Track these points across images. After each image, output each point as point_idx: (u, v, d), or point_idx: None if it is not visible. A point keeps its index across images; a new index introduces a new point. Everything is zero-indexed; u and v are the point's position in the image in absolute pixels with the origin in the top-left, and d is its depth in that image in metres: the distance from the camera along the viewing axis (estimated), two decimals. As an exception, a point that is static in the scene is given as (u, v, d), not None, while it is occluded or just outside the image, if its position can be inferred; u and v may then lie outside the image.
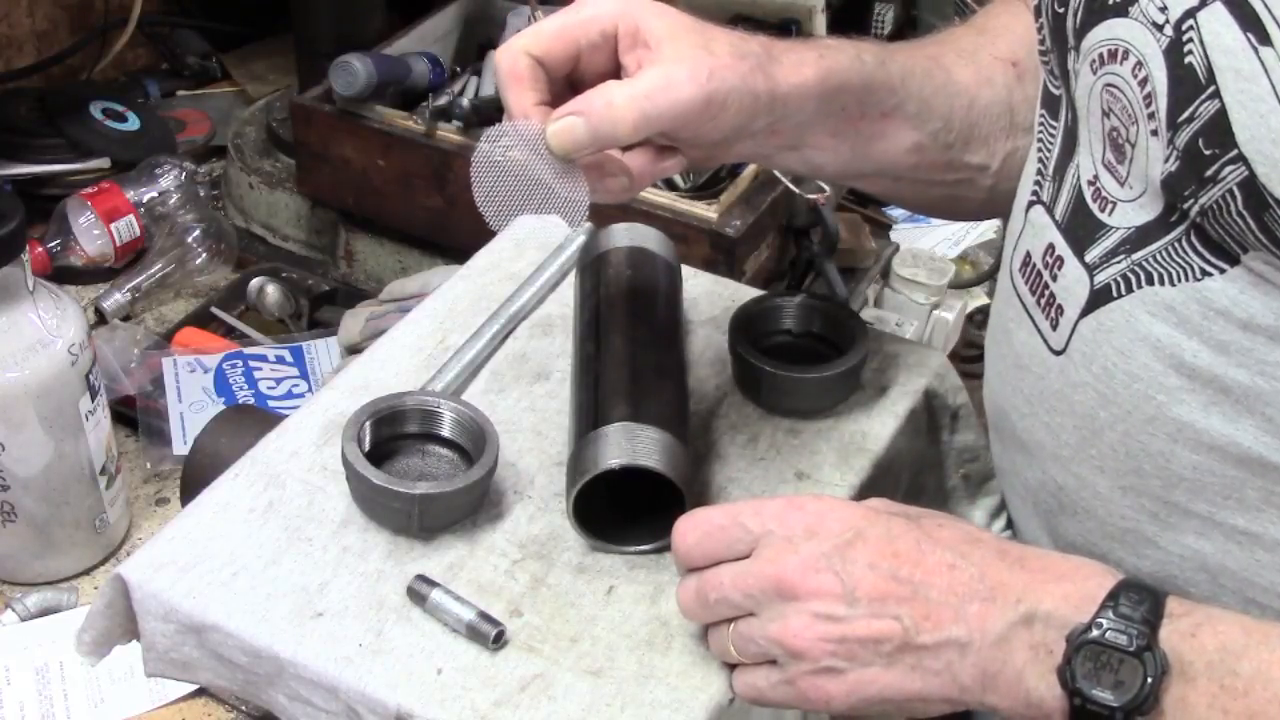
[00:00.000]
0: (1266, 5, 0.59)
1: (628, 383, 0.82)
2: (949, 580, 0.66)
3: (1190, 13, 0.62)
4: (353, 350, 1.18)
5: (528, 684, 0.71)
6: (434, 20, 1.45)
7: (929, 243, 1.55)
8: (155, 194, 1.39)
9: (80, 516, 1.02)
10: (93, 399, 0.99)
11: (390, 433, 0.82)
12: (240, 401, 1.18)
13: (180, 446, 1.14)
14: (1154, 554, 0.75)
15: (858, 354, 0.88)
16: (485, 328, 0.93)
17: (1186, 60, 0.63)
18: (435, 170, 1.29)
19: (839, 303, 1.09)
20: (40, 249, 1.31)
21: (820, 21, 1.62)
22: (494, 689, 0.70)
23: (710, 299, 0.98)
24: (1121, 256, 0.71)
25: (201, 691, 0.95)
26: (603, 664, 0.72)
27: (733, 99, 0.72)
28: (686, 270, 0.98)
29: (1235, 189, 0.62)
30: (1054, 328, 0.76)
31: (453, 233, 1.29)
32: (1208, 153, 0.62)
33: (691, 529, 0.71)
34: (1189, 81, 0.63)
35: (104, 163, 1.43)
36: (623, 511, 0.79)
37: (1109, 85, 0.69)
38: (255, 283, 1.34)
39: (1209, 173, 0.63)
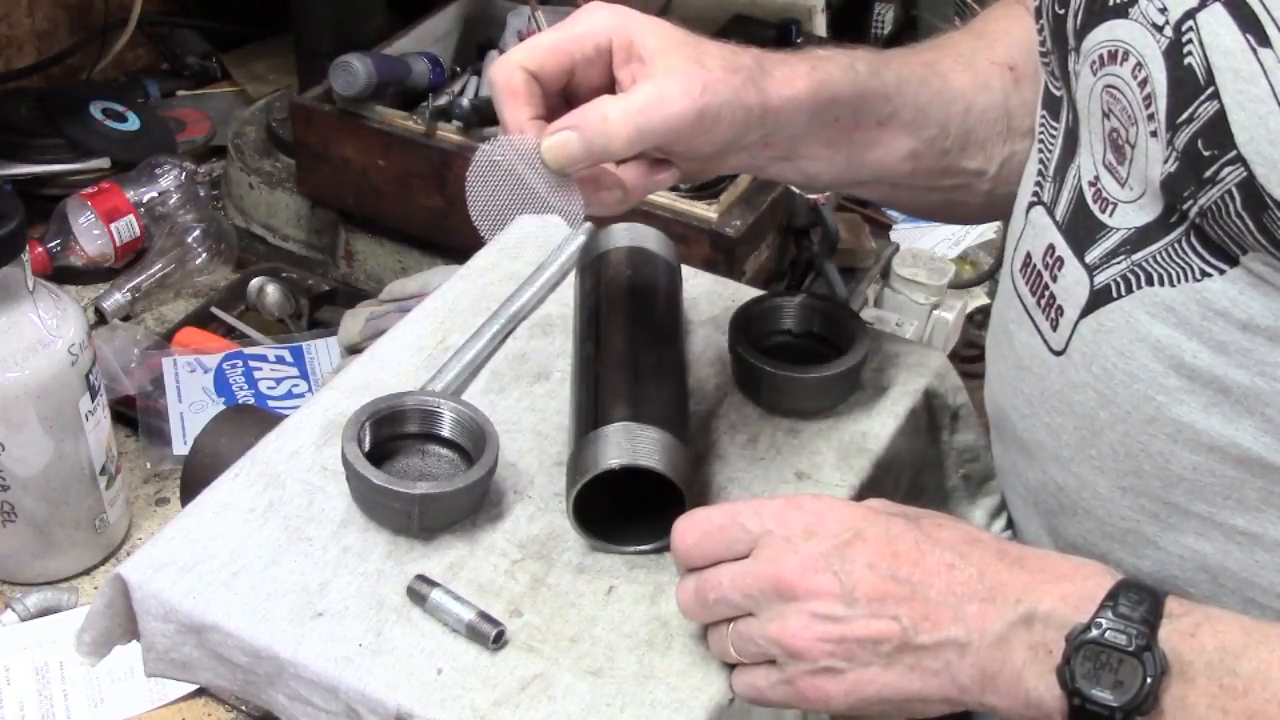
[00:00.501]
0: (1266, 7, 0.59)
1: (628, 383, 0.82)
2: (948, 580, 0.66)
3: (1190, 14, 0.62)
4: (353, 350, 1.18)
5: (528, 684, 0.71)
6: (434, 20, 1.45)
7: (929, 243, 1.55)
8: (155, 194, 1.39)
9: (80, 516, 1.02)
10: (93, 399, 0.99)
11: (390, 433, 0.82)
12: (240, 401, 1.18)
13: (180, 446, 1.14)
14: (1154, 554, 0.75)
15: (858, 354, 0.88)
16: (485, 328, 0.93)
17: (1186, 61, 0.63)
18: (435, 170, 1.29)
19: (839, 303, 1.09)
20: (40, 249, 1.31)
21: (820, 21, 1.62)
22: (494, 689, 0.70)
23: (710, 299, 0.98)
24: (1121, 257, 0.71)
25: (201, 691, 0.95)
26: (603, 664, 0.72)
27: (725, 113, 0.72)
28: (686, 270, 0.98)
29: (1234, 190, 0.62)
30: (1054, 328, 0.76)
31: (453, 233, 1.29)
32: (1207, 154, 0.62)
33: (691, 529, 0.71)
34: (1188, 83, 0.63)
35: (104, 163, 1.43)
36: (623, 511, 0.79)
37: (1109, 86, 0.69)
38: (255, 283, 1.34)
39: (1208, 174, 0.63)
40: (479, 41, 1.47)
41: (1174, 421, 0.70)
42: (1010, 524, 0.91)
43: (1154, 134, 0.66)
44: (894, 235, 1.52)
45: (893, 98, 0.81)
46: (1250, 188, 0.61)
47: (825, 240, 1.31)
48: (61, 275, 1.32)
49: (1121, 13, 0.67)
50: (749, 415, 0.89)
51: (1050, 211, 0.77)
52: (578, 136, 0.71)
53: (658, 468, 0.76)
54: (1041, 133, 0.80)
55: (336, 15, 1.45)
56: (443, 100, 1.30)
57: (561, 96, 0.75)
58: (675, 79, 0.71)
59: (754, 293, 0.97)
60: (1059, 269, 0.75)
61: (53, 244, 1.33)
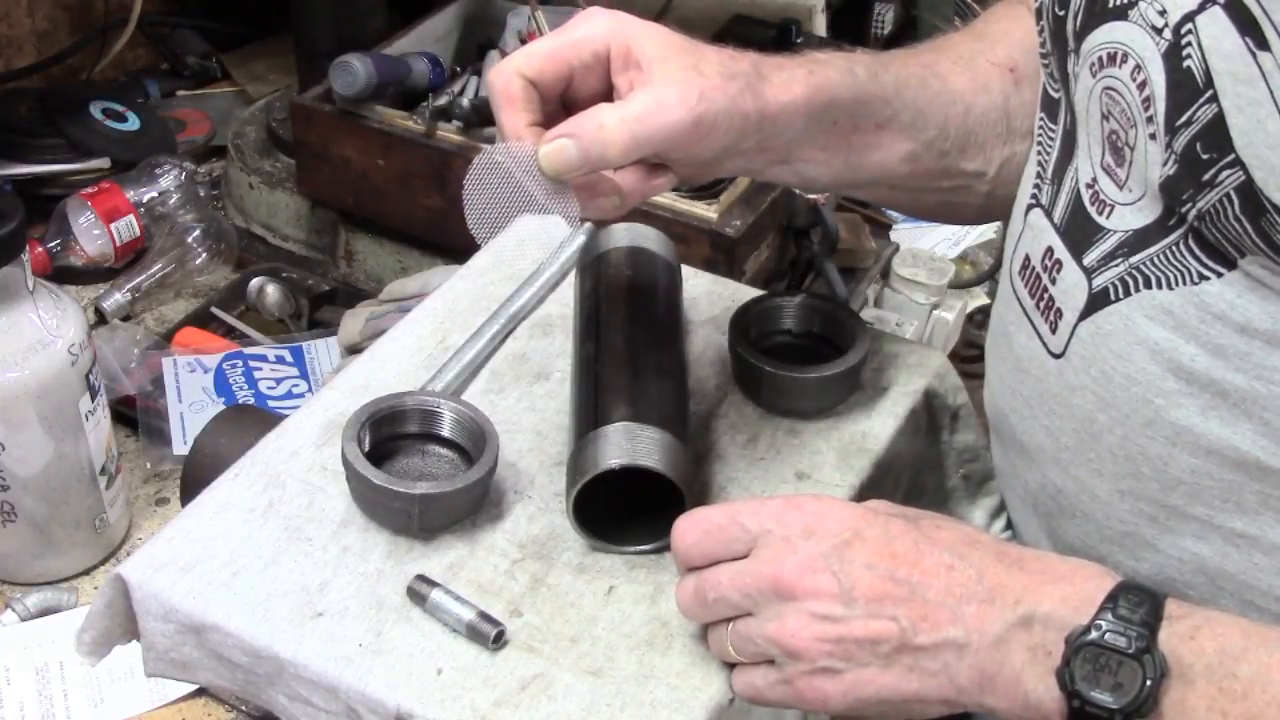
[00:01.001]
0: (1265, 10, 0.59)
1: (628, 383, 0.82)
2: (947, 581, 0.66)
3: (1189, 16, 0.62)
4: (353, 350, 1.18)
5: (528, 684, 0.71)
6: (434, 20, 1.45)
7: (929, 243, 1.55)
8: (155, 194, 1.39)
9: (80, 516, 1.02)
10: (93, 399, 0.99)
11: (390, 433, 0.82)
12: (240, 401, 1.18)
13: (180, 446, 1.14)
14: (1152, 557, 0.75)
15: (858, 354, 0.88)
16: (485, 328, 0.93)
17: (1185, 64, 0.63)
18: (435, 170, 1.29)
19: (839, 303, 1.09)
20: (40, 249, 1.31)
21: (820, 22, 1.62)
22: (494, 689, 0.70)
23: (710, 299, 0.98)
24: (1120, 260, 0.71)
25: (201, 691, 0.95)
26: (603, 664, 0.72)
27: (722, 120, 0.72)
28: (686, 270, 0.98)
29: (1232, 193, 0.62)
30: (1053, 331, 0.76)
31: (453, 233, 1.28)
32: (1205, 157, 0.62)
33: (690, 528, 0.71)
34: (1187, 85, 0.63)
35: (104, 163, 1.43)
36: (623, 511, 0.79)
37: (1108, 88, 0.69)
38: (255, 283, 1.34)
39: (1206, 177, 0.63)
40: (479, 41, 1.47)
41: (1172, 424, 0.70)
42: (1010, 525, 0.91)
43: (1153, 136, 0.66)
44: (894, 235, 1.52)
45: (891, 100, 0.81)
46: (1248, 191, 0.61)
47: (825, 240, 1.31)
48: (61, 275, 1.32)
49: (1121, 15, 0.67)
50: (749, 415, 0.89)
51: (1048, 214, 0.77)
52: (575, 144, 0.71)
53: (658, 468, 0.76)
54: (1040, 135, 0.79)
55: (336, 15, 1.45)
56: (443, 100, 1.30)
57: (560, 102, 0.75)
58: (672, 86, 0.71)
59: (754, 293, 0.97)
60: (1057, 271, 0.75)
61: (53, 244, 1.33)
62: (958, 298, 1.42)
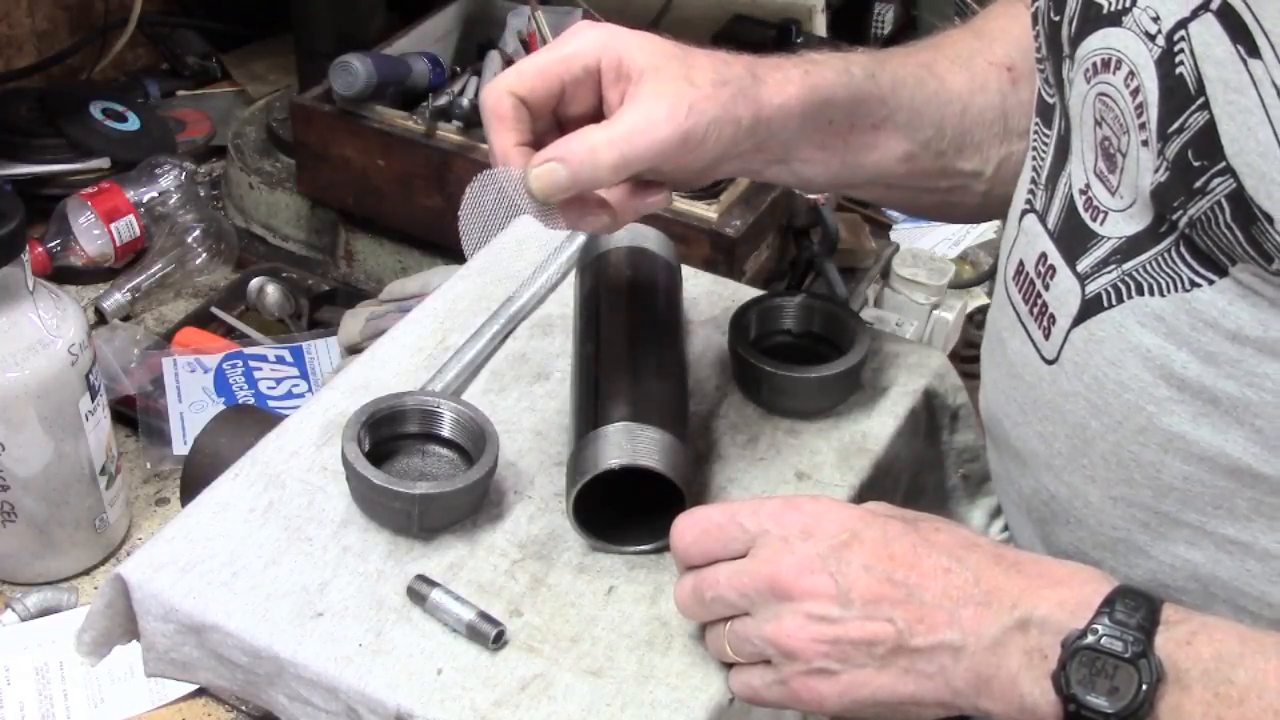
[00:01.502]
0: (1257, 18, 0.59)
1: (628, 383, 0.82)
2: (944, 584, 0.66)
3: (1182, 23, 0.62)
4: (353, 350, 1.18)
5: (528, 684, 0.71)
6: (434, 20, 1.45)
7: (929, 243, 1.55)
8: (155, 194, 1.39)
9: (80, 516, 1.02)
10: (93, 399, 0.99)
11: (390, 433, 0.82)
12: (240, 401, 1.18)
13: (180, 446, 1.14)
14: (1145, 563, 0.75)
15: (858, 354, 0.88)
16: (485, 328, 0.93)
17: (1177, 71, 0.62)
18: (435, 170, 1.29)
19: (839, 303, 1.09)
20: (40, 249, 1.31)
21: (820, 21, 1.62)
22: (494, 689, 0.70)
23: (710, 299, 0.98)
24: (1112, 266, 0.70)
25: (201, 691, 0.95)
26: (603, 664, 0.72)
27: (712, 131, 0.72)
28: (686, 270, 0.98)
29: (1223, 201, 0.62)
30: (1046, 337, 0.76)
31: (452, 233, 1.27)
32: (1197, 164, 0.62)
33: (689, 527, 0.71)
34: (1179, 92, 0.63)
35: (104, 163, 1.43)
36: (623, 511, 0.79)
37: (1101, 94, 0.69)
38: (255, 283, 1.34)
39: (1198, 184, 0.63)
40: (479, 41, 1.47)
41: (1164, 431, 0.70)
42: (1009, 527, 0.90)
43: (1145, 143, 0.66)
44: (894, 235, 1.52)
45: (888, 100, 0.81)
46: (1239, 199, 0.61)
47: (825, 240, 1.31)
48: (61, 275, 1.32)
49: (1115, 21, 0.67)
50: (749, 415, 0.89)
51: (1042, 220, 0.77)
52: (564, 168, 0.71)
53: (658, 468, 0.76)
54: (1034, 140, 0.79)
55: (336, 15, 1.45)
56: (443, 100, 1.30)
57: (553, 117, 0.76)
58: (661, 102, 0.71)
59: (754, 293, 0.97)
60: (1051, 277, 0.75)
61: (53, 244, 1.33)
62: (958, 298, 1.42)
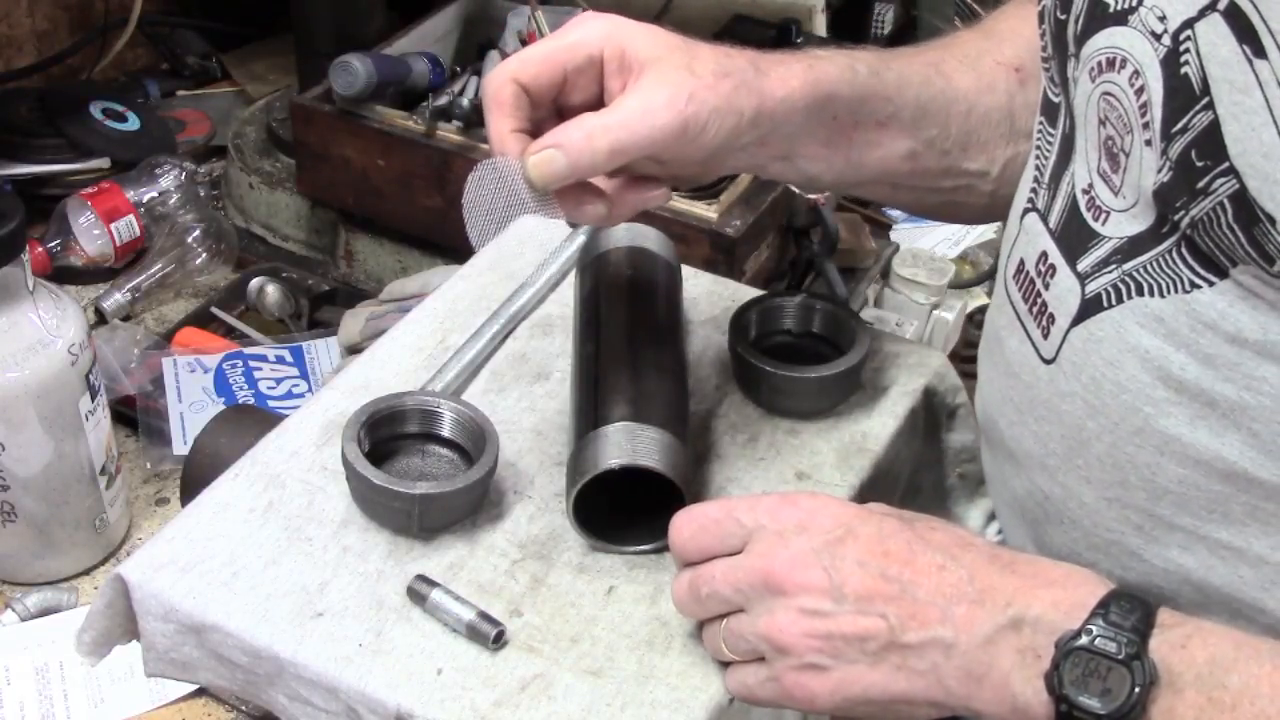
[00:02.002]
0: (1264, 18, 0.59)
1: (628, 383, 0.82)
2: (937, 581, 0.66)
3: (1188, 23, 0.62)
4: (353, 350, 1.18)
5: (528, 684, 0.71)
6: (434, 20, 1.45)
7: (929, 243, 1.55)
8: (155, 194, 1.39)
9: (80, 516, 1.02)
10: (93, 399, 0.99)
11: (390, 433, 0.82)
12: (240, 401, 1.18)
13: (180, 446, 1.14)
14: (1138, 566, 0.74)
15: (858, 354, 0.88)
16: (485, 328, 0.93)
17: (1182, 71, 0.62)
18: (435, 170, 1.29)
19: (839, 303, 1.09)
20: (40, 249, 1.31)
21: (820, 21, 1.62)
22: (494, 689, 0.70)
23: (710, 299, 0.98)
24: (1113, 266, 0.70)
25: (201, 691, 0.95)
26: (603, 664, 0.72)
27: (713, 121, 0.72)
28: (686, 270, 0.98)
29: (1226, 202, 0.62)
30: (1045, 336, 0.76)
31: (452, 233, 1.28)
32: (1200, 164, 0.62)
33: (686, 523, 0.71)
34: (1184, 92, 0.62)
35: (104, 163, 1.44)
36: (623, 511, 0.79)
37: (1106, 94, 0.69)
38: (255, 283, 1.34)
39: (1200, 184, 0.62)
40: (479, 41, 1.48)
41: (1161, 433, 0.70)
42: (1001, 526, 0.90)
43: (1148, 143, 0.66)
44: (894, 235, 1.52)
45: (893, 98, 0.81)
46: (1242, 200, 0.61)
47: (825, 240, 1.31)
48: (61, 275, 1.32)
49: (1122, 20, 0.67)
50: (749, 415, 0.89)
51: (1044, 218, 0.77)
52: (562, 155, 0.71)
53: (658, 468, 0.76)
54: (1038, 139, 0.79)
55: (336, 15, 1.45)
56: (443, 100, 1.30)
57: (554, 106, 0.75)
58: (661, 90, 0.71)
59: (754, 293, 0.97)
60: (1051, 277, 0.75)
61: (53, 244, 1.33)
62: (958, 298, 1.42)
